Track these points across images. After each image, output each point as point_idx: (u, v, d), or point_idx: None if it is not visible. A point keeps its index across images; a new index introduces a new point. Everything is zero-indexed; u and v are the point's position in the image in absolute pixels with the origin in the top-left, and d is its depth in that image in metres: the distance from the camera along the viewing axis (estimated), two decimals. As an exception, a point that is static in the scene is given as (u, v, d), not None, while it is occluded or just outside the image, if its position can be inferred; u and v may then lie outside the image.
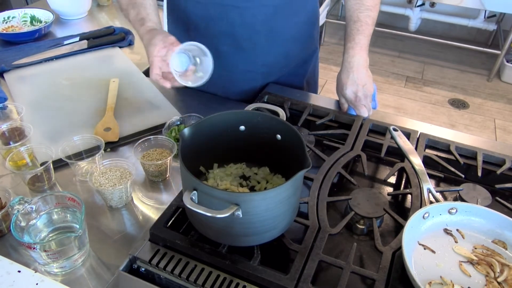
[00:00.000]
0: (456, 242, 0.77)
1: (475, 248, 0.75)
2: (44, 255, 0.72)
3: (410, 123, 1.10)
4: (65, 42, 1.47)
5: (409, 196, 0.91)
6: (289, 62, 1.23)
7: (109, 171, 0.89)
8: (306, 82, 1.32)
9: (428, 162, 0.95)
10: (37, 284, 0.71)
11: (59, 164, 0.96)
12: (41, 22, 1.62)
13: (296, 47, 1.20)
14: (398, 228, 0.82)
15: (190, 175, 0.67)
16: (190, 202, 0.66)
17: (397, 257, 0.74)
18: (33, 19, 1.63)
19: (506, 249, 0.75)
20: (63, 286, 0.71)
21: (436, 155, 0.98)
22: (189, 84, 0.95)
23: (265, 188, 0.85)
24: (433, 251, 0.75)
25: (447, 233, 0.78)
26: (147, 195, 0.92)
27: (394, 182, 0.98)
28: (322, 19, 2.28)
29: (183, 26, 1.18)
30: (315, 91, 1.42)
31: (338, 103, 1.17)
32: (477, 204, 0.82)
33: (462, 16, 3.51)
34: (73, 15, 1.72)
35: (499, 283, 0.69)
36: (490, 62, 3.45)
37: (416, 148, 0.96)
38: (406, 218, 0.77)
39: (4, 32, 1.54)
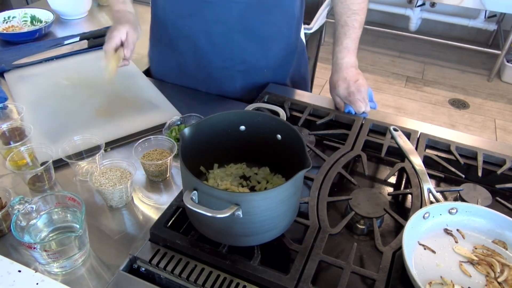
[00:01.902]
0: (456, 242, 0.77)
1: (476, 248, 0.75)
2: (44, 255, 0.72)
3: (411, 123, 1.10)
4: (66, 42, 1.47)
5: (409, 196, 0.91)
6: (269, 63, 1.23)
7: (109, 171, 0.89)
8: (291, 80, 1.32)
9: (428, 162, 0.95)
10: (37, 284, 0.71)
11: (60, 164, 0.96)
12: (41, 22, 1.62)
13: (275, 47, 1.20)
14: (399, 228, 0.82)
15: (190, 175, 0.67)
16: (191, 202, 0.66)
17: (397, 257, 0.74)
18: (33, 19, 1.63)
19: (506, 249, 0.75)
20: (63, 286, 0.71)
21: (437, 155, 0.98)
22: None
23: (265, 188, 0.85)
24: (433, 251, 0.75)
25: (448, 233, 0.78)
26: (147, 195, 0.92)
27: (394, 182, 0.98)
28: (322, 19, 2.27)
29: (163, 23, 1.22)
30: (308, 90, 1.42)
31: (337, 103, 1.17)
32: (477, 204, 0.82)
33: (462, 16, 3.51)
34: (73, 15, 1.71)
35: (499, 283, 0.69)
36: (491, 62, 3.45)
37: (416, 148, 0.96)
38: (406, 218, 0.77)
39: (5, 32, 1.54)
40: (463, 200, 0.86)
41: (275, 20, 1.15)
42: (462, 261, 0.73)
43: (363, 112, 1.10)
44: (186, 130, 0.77)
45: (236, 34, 1.13)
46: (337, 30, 1.14)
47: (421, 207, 0.82)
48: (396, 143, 0.96)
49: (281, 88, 1.23)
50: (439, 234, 0.78)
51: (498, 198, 0.88)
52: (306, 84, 1.43)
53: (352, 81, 1.09)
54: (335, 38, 1.15)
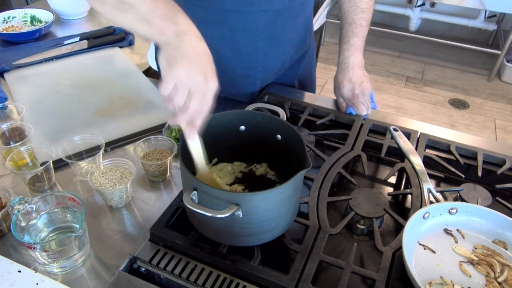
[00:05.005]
0: (456, 242, 0.77)
1: (476, 248, 0.75)
2: (44, 255, 0.72)
3: (411, 123, 1.10)
4: (66, 42, 1.47)
5: (409, 196, 0.91)
6: (284, 66, 1.23)
7: (109, 171, 0.89)
8: (299, 81, 1.32)
9: (428, 162, 0.95)
10: (37, 284, 0.71)
11: (60, 164, 0.96)
12: (41, 22, 1.62)
13: (291, 51, 1.20)
14: (398, 228, 0.82)
15: (190, 175, 0.67)
16: (190, 202, 0.66)
17: (397, 257, 0.74)
18: (33, 19, 1.63)
19: (507, 249, 0.75)
20: (63, 286, 0.71)
21: (437, 155, 0.98)
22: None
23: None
24: (433, 251, 0.75)
25: (447, 233, 0.78)
26: (147, 195, 0.92)
27: (394, 182, 0.98)
28: (322, 19, 2.28)
29: None
30: (313, 91, 1.42)
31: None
32: (477, 204, 0.82)
33: (462, 16, 3.51)
34: (74, 15, 1.72)
35: (499, 283, 0.69)
36: (491, 62, 3.45)
37: (416, 148, 0.96)
38: (406, 218, 0.77)
39: (5, 32, 1.54)
40: (463, 200, 0.86)
41: (297, 26, 1.15)
42: (462, 261, 0.73)
43: (365, 114, 1.10)
44: (186, 130, 0.77)
45: (261, 42, 1.10)
46: (344, 28, 1.13)
47: (421, 207, 0.82)
48: (396, 143, 0.96)
49: (281, 88, 1.23)
50: (439, 234, 0.78)
51: (498, 198, 0.89)
52: (313, 86, 1.43)
53: (357, 83, 1.09)
54: (341, 37, 1.15)
